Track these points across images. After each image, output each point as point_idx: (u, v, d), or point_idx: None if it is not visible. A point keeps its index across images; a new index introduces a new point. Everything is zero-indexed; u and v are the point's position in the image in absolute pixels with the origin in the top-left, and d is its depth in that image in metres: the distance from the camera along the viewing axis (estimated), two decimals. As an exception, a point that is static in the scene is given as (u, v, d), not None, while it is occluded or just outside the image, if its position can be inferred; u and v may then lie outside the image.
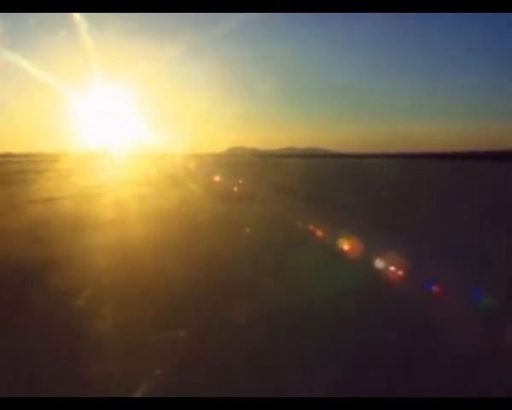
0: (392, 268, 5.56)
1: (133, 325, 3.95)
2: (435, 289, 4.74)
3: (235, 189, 17.56)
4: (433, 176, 31.62)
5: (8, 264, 6.25)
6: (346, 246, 6.81)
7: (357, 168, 46.37)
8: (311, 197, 15.33)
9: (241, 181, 21.31)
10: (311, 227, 8.45)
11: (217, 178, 24.08)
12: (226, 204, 12.75)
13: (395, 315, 4.20)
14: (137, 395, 2.84)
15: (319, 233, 8.06)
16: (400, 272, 5.44)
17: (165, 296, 4.69)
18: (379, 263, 5.79)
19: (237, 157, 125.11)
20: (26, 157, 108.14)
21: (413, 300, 4.61)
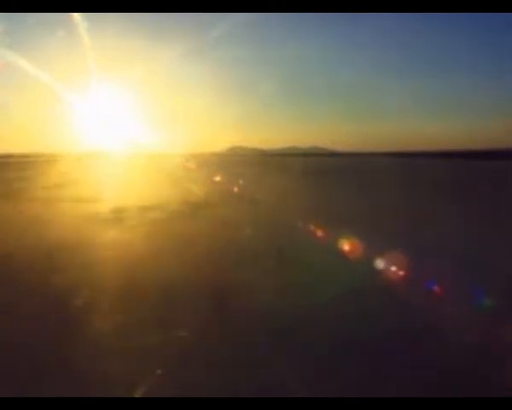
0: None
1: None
2: None
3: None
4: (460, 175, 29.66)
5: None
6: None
7: (367, 167, 44.20)
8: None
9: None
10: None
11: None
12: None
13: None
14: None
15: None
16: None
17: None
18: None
19: (238, 157, 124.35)
20: (26, 157, 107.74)
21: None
